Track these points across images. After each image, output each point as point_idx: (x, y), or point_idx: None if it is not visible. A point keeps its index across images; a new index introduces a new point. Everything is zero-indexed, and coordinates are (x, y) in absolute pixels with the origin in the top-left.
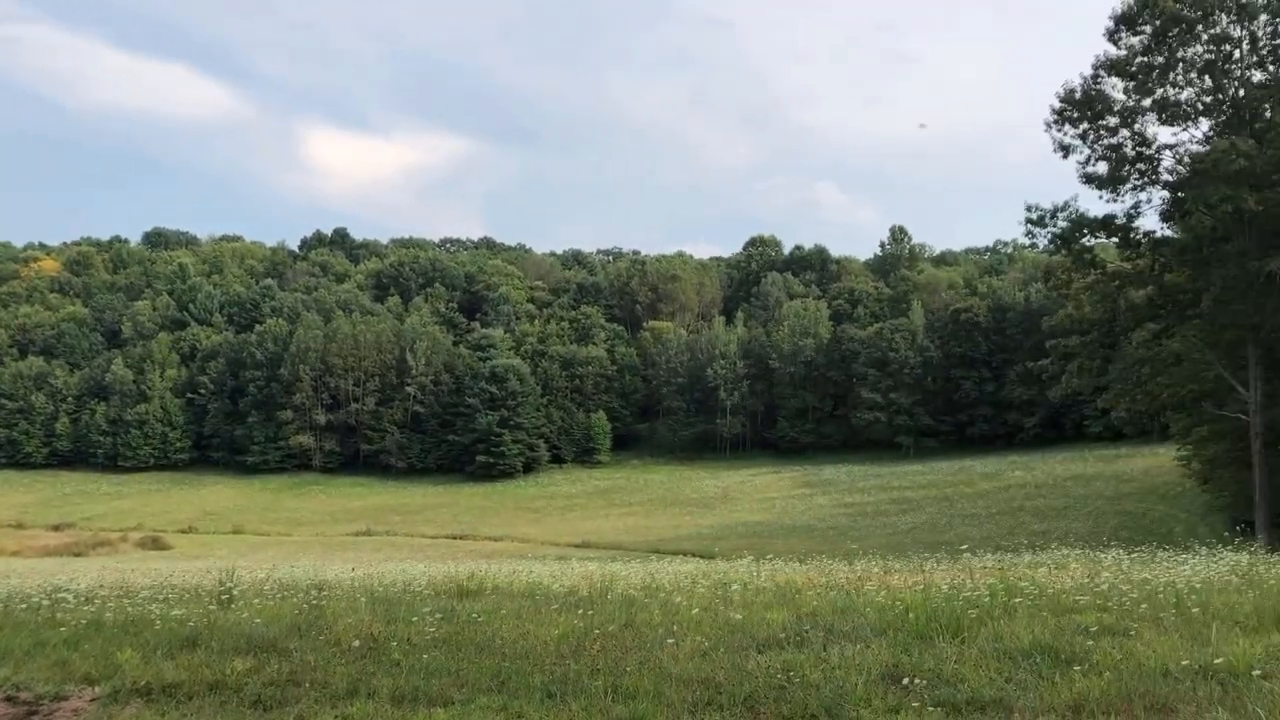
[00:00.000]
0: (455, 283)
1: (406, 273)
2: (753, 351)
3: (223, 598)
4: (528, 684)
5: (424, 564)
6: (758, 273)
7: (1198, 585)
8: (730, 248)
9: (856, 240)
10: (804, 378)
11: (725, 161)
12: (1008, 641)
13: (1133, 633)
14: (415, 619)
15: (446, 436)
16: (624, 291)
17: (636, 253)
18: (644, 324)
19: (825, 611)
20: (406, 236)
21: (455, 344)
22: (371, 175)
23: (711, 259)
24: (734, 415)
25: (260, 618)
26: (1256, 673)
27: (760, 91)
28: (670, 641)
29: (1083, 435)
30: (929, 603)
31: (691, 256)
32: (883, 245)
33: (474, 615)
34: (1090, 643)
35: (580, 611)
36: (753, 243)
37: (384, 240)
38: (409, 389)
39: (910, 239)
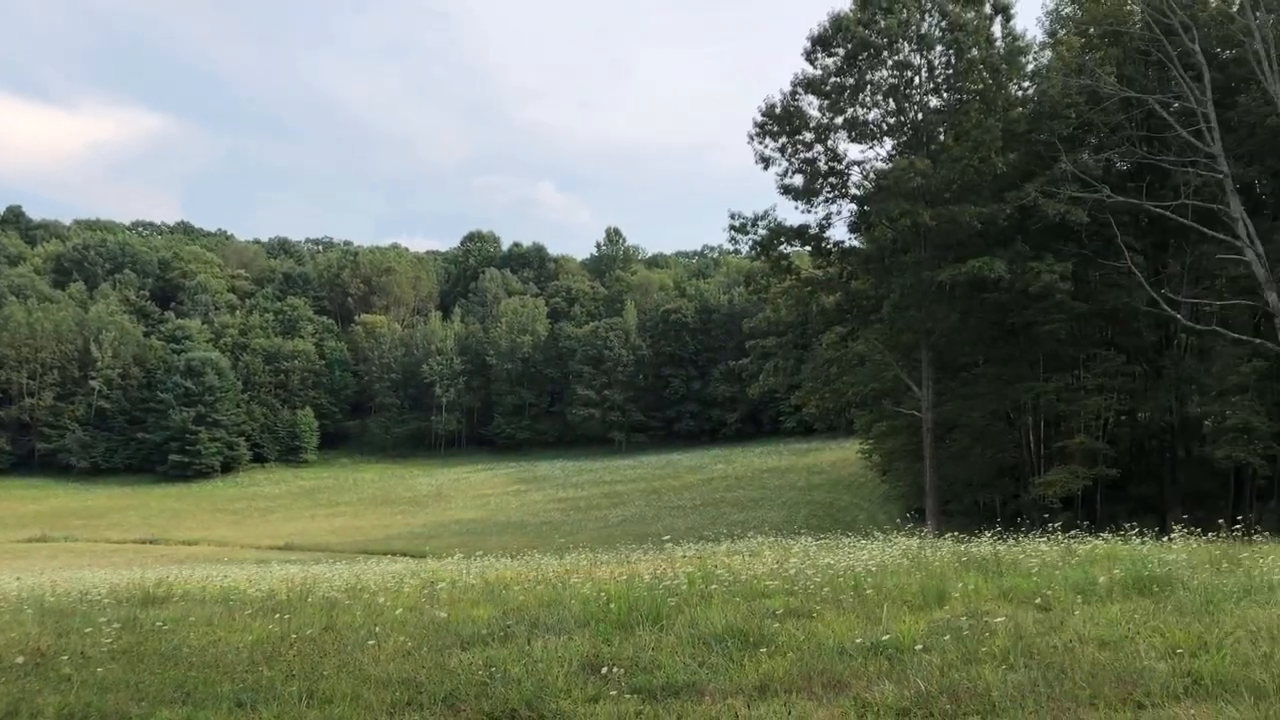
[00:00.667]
0: (148, 269)
1: (92, 257)
2: (470, 348)
3: None
4: (215, 693)
5: (106, 571)
6: (476, 268)
7: (874, 569)
8: (448, 242)
9: (574, 240)
10: (521, 374)
11: (443, 155)
12: (703, 627)
13: (815, 614)
14: (90, 630)
15: (135, 434)
16: (334, 283)
17: (349, 243)
18: (356, 318)
19: (532, 606)
20: (93, 218)
21: (147, 335)
22: (51, 150)
23: (428, 253)
24: (450, 412)
25: None
26: (919, 647)
27: (479, 87)
28: (371, 643)
29: (779, 430)
30: (632, 593)
31: (407, 250)
32: (599, 246)
33: (159, 624)
34: (776, 625)
35: (277, 616)
36: (471, 238)
37: (66, 221)
38: (93, 383)
39: (625, 241)
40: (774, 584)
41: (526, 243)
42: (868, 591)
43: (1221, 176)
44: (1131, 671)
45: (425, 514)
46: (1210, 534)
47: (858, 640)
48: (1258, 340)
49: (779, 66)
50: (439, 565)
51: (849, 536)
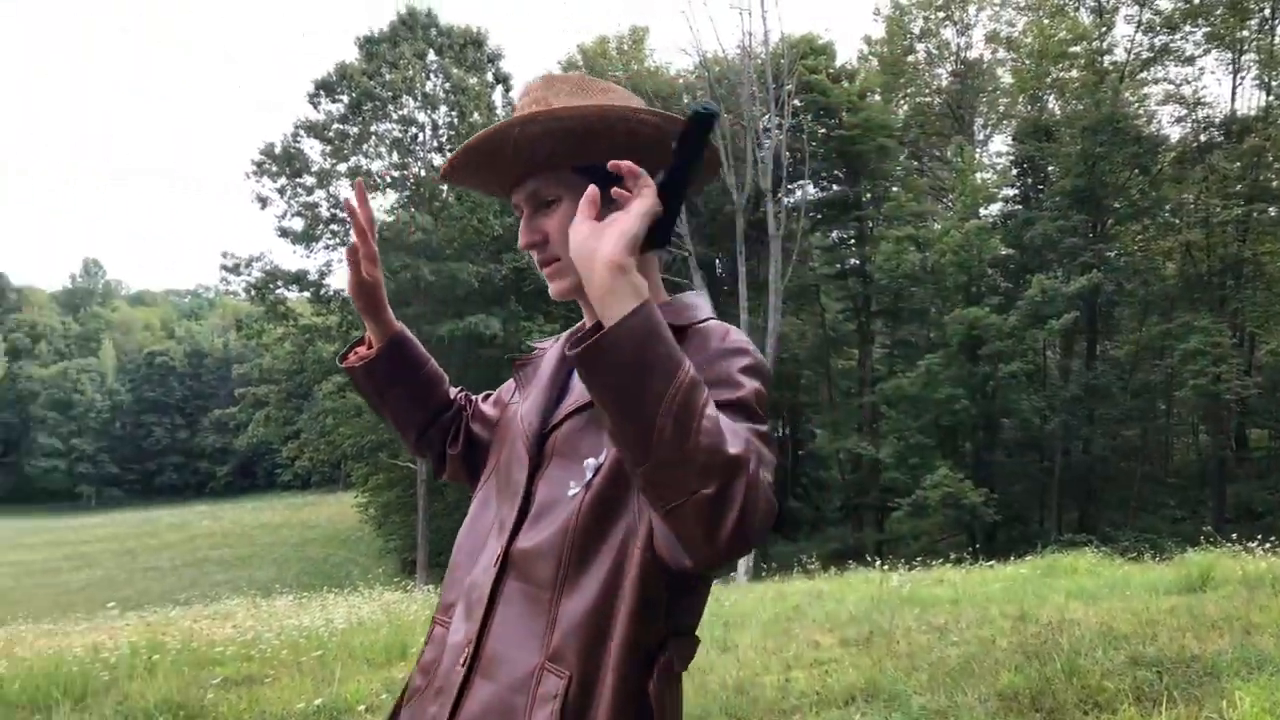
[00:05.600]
0: None
1: None
2: None
3: None
4: None
5: None
6: None
7: (342, 627)
8: None
9: (44, 269)
10: None
11: None
12: (135, 701)
13: (269, 679)
14: None
15: None
16: None
17: None
18: None
19: None
20: None
21: None
22: None
23: None
24: None
25: None
26: (362, 707)
27: None
28: None
29: (274, 484)
30: (60, 669)
31: None
32: (74, 278)
33: None
34: (216, 695)
35: None
36: None
37: None
38: None
39: (105, 273)
40: (232, 649)
41: None
42: (332, 652)
43: (687, 255)
44: None
45: None
46: None
47: (300, 705)
48: None
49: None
50: None
51: (334, 593)
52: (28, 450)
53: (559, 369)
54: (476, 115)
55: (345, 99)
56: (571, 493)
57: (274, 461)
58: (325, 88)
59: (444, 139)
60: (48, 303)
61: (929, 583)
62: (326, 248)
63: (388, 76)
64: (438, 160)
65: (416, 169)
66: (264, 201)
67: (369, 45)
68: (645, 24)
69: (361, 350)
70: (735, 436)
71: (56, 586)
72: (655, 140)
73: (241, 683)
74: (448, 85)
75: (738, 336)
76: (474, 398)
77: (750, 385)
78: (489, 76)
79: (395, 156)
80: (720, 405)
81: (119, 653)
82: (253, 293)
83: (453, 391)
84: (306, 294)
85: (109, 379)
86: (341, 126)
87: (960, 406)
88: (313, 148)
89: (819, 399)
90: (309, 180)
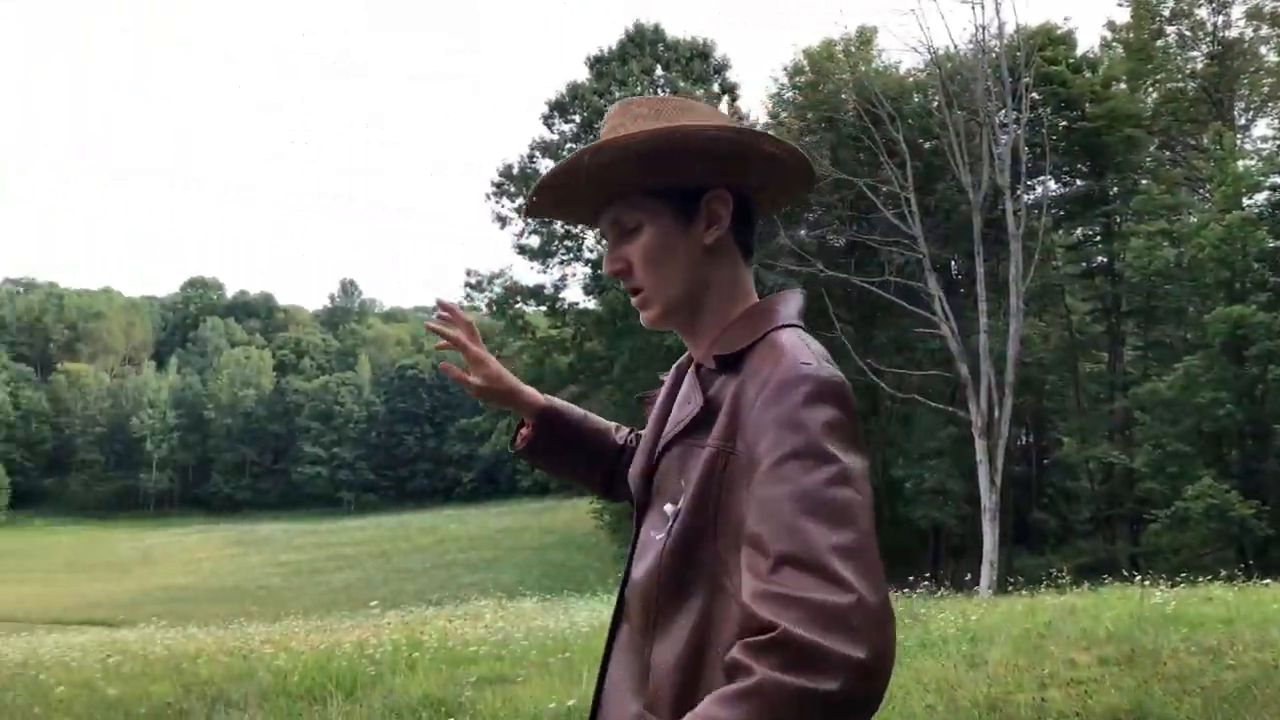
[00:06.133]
0: None
1: None
2: (186, 400)
3: None
4: None
5: None
6: (196, 316)
7: (585, 630)
8: (167, 287)
9: (306, 289)
10: (243, 430)
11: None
12: (399, 696)
13: (519, 679)
14: None
15: None
16: (34, 328)
17: (54, 285)
18: (57, 365)
19: (218, 679)
20: None
21: None
22: None
23: (144, 297)
24: (161, 470)
25: None
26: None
27: None
28: None
29: (515, 489)
30: (331, 663)
31: (120, 293)
32: (333, 297)
33: None
34: (474, 693)
35: None
36: (192, 284)
37: None
38: None
39: (361, 293)
40: (484, 649)
41: (253, 290)
42: (578, 655)
43: (921, 256)
44: None
45: (128, 580)
46: (904, 590)
47: (551, 705)
48: (951, 409)
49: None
50: (133, 636)
51: (575, 597)
52: (295, 458)
53: (667, 399)
54: None
55: (577, 118)
56: (658, 536)
57: (515, 468)
58: (558, 108)
59: None
60: (310, 320)
61: (1196, 600)
62: (561, 263)
63: (617, 94)
64: None
65: None
66: (503, 221)
67: (598, 64)
68: (873, 24)
69: (524, 432)
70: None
71: (322, 585)
72: (730, 155)
73: (495, 681)
74: None
75: (794, 358)
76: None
77: (817, 419)
78: (715, 87)
79: None
80: (780, 461)
81: (382, 649)
82: (494, 308)
83: (622, 434)
84: (543, 308)
85: (365, 391)
86: (574, 145)
87: (1224, 411)
88: (547, 167)
89: (1065, 404)
90: None
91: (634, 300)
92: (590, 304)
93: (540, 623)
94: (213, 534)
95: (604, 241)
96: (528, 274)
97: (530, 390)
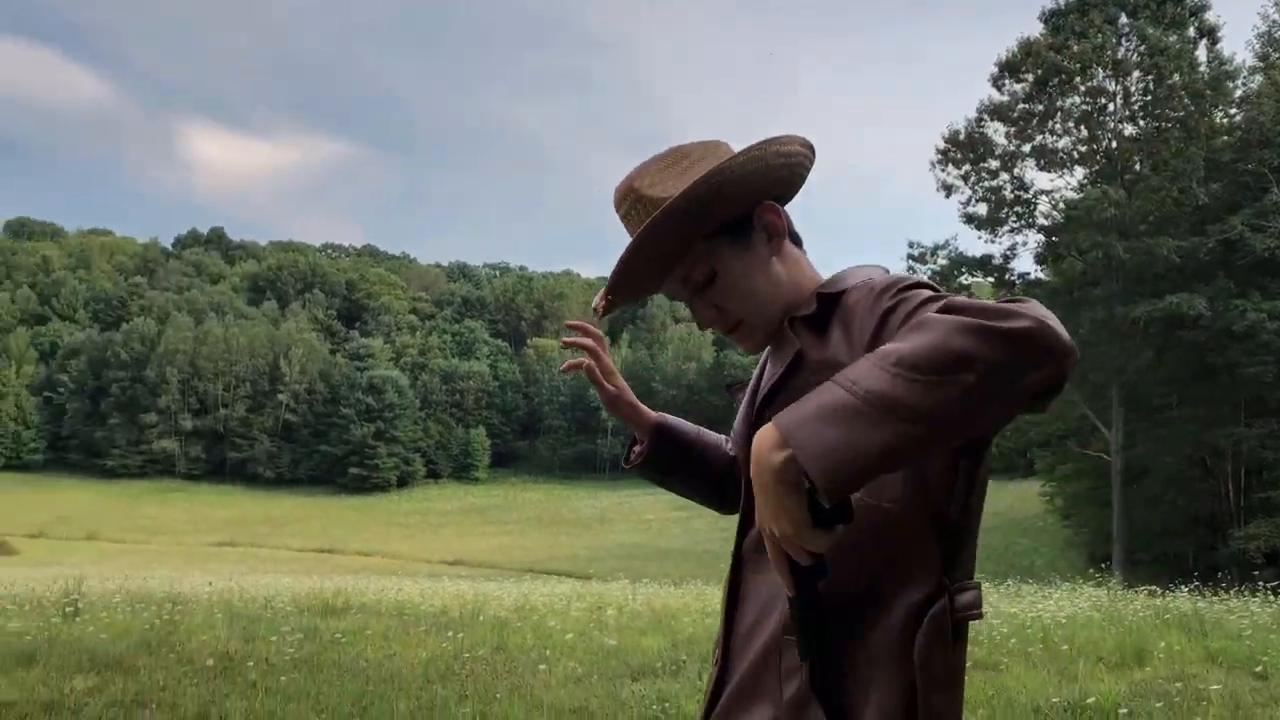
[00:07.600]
0: (335, 290)
1: (285, 277)
2: (635, 373)
3: (67, 609)
4: (392, 710)
5: (289, 578)
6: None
7: (1063, 620)
8: None
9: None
10: (685, 401)
11: (614, 183)
12: None
13: (1003, 667)
14: (275, 637)
15: (319, 447)
16: (509, 307)
17: (524, 268)
18: (528, 341)
19: (701, 639)
20: (286, 240)
21: (332, 353)
22: (249, 175)
23: (599, 279)
24: (614, 436)
25: (107, 632)
26: (1124, 711)
27: (650, 115)
28: (542, 667)
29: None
30: None
31: (579, 275)
32: None
33: (338, 635)
34: (969, 675)
35: (450, 633)
36: None
37: (262, 242)
38: (281, 396)
39: None
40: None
41: None
42: (1061, 646)
43: None
44: None
45: (588, 536)
46: None
47: (1053, 699)
48: None
49: (943, 92)
50: (604, 589)
51: (1028, 583)
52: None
53: (756, 380)
54: (1176, 77)
55: (1030, 77)
56: None
57: None
58: (1008, 68)
59: (1135, 107)
60: None
61: None
62: (1011, 231)
63: (1075, 48)
64: (1129, 130)
65: (1107, 141)
66: (948, 189)
67: (1054, 19)
68: None
69: (638, 448)
70: (935, 332)
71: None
72: (758, 173)
73: (976, 667)
74: (1142, 48)
75: (885, 273)
76: None
77: (919, 294)
78: (1190, 32)
79: (1082, 131)
80: (902, 322)
81: None
82: (938, 279)
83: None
84: (990, 279)
85: None
86: (1026, 106)
87: None
88: (996, 130)
89: None
90: (992, 164)
91: (735, 335)
92: (1042, 274)
93: (1006, 608)
94: (659, 497)
95: (674, 298)
96: (974, 243)
97: (646, 408)
